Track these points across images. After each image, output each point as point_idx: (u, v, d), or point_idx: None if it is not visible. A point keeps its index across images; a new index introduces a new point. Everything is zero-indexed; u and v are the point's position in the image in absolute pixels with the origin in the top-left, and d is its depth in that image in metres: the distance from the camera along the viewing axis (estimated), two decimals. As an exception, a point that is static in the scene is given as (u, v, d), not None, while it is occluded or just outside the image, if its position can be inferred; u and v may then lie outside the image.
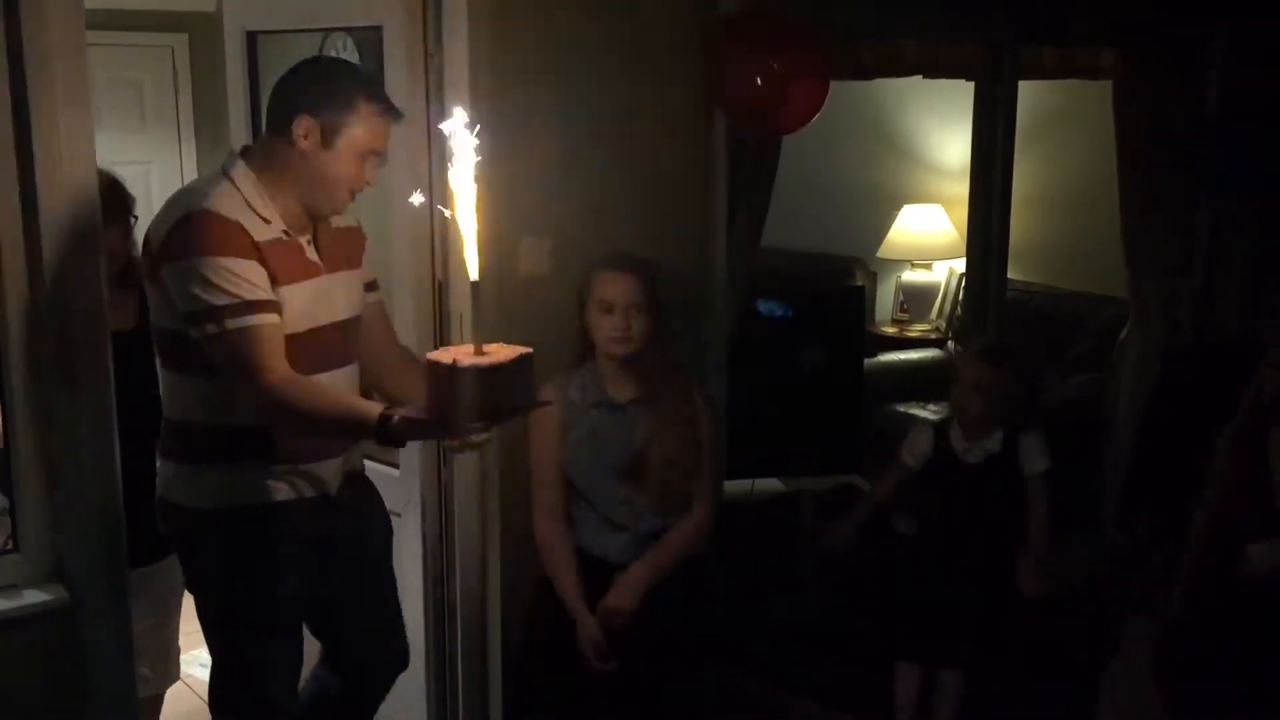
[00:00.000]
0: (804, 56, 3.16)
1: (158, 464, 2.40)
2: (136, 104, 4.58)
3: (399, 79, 2.99)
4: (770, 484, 4.08)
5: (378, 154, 2.35)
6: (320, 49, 3.81)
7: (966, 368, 3.11)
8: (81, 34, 2.37)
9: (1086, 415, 4.55)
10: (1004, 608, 3.09)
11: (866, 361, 5.07)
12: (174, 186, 4.57)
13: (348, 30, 3.23)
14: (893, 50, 3.71)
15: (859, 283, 5.81)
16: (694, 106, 3.21)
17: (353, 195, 2.37)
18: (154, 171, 4.58)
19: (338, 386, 2.36)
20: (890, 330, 5.73)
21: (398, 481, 3.12)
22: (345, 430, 2.34)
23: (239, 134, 3.41)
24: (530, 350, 2.10)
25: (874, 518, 3.25)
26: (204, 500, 2.34)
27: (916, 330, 5.71)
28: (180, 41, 4.56)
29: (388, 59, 3.03)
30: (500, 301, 3.00)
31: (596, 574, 2.80)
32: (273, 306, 2.19)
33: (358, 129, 2.26)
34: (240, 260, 2.16)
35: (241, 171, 2.25)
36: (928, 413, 5.06)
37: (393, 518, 3.07)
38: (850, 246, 5.92)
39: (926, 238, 5.71)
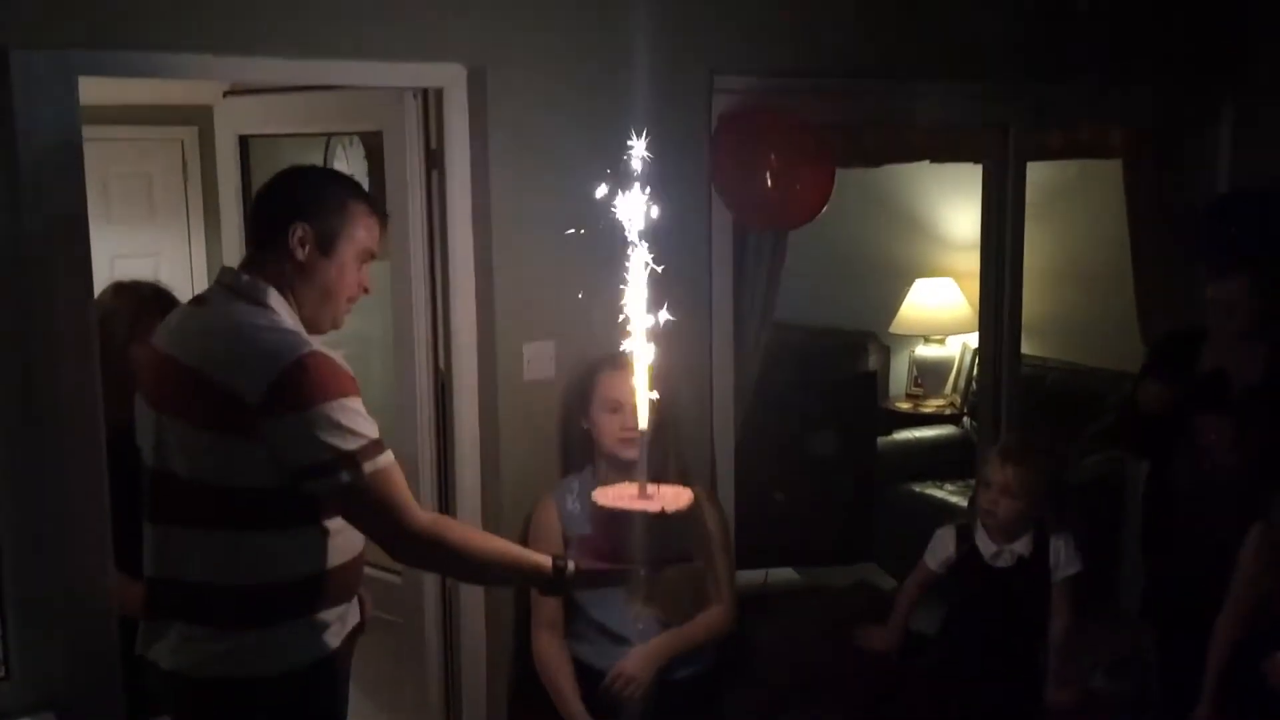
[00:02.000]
0: (805, 152, 3.14)
1: (187, 639, 2.07)
2: (146, 196, 4.60)
3: (400, 183, 2.99)
4: (785, 573, 4.02)
5: (374, 257, 2.28)
6: (326, 151, 3.85)
7: (991, 470, 3.03)
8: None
9: (1106, 495, 4.47)
10: (1027, 715, 3.00)
11: (881, 440, 5.03)
12: (182, 277, 4.66)
13: (351, 134, 3.25)
14: (900, 136, 3.68)
15: (872, 357, 5.76)
16: (698, 205, 3.18)
17: (350, 306, 2.28)
18: (162, 263, 4.58)
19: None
20: (905, 406, 5.66)
21: (400, 590, 3.08)
22: (505, 577, 2.24)
23: (231, 238, 3.43)
24: (692, 492, 2.08)
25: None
26: (274, 665, 2.06)
27: (931, 405, 5.64)
28: (190, 134, 4.58)
29: (389, 163, 3.04)
30: (506, 406, 2.97)
31: (596, 686, 2.74)
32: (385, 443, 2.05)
33: (355, 231, 2.16)
34: (357, 399, 2.00)
35: (277, 298, 2.09)
36: (944, 493, 5.00)
37: (395, 625, 3.03)
38: (862, 321, 5.88)
39: (939, 312, 5.66)
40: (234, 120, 3.40)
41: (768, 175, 3.07)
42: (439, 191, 2.95)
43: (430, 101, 2.94)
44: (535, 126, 2.93)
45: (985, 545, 3.02)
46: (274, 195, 2.18)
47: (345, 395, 1.97)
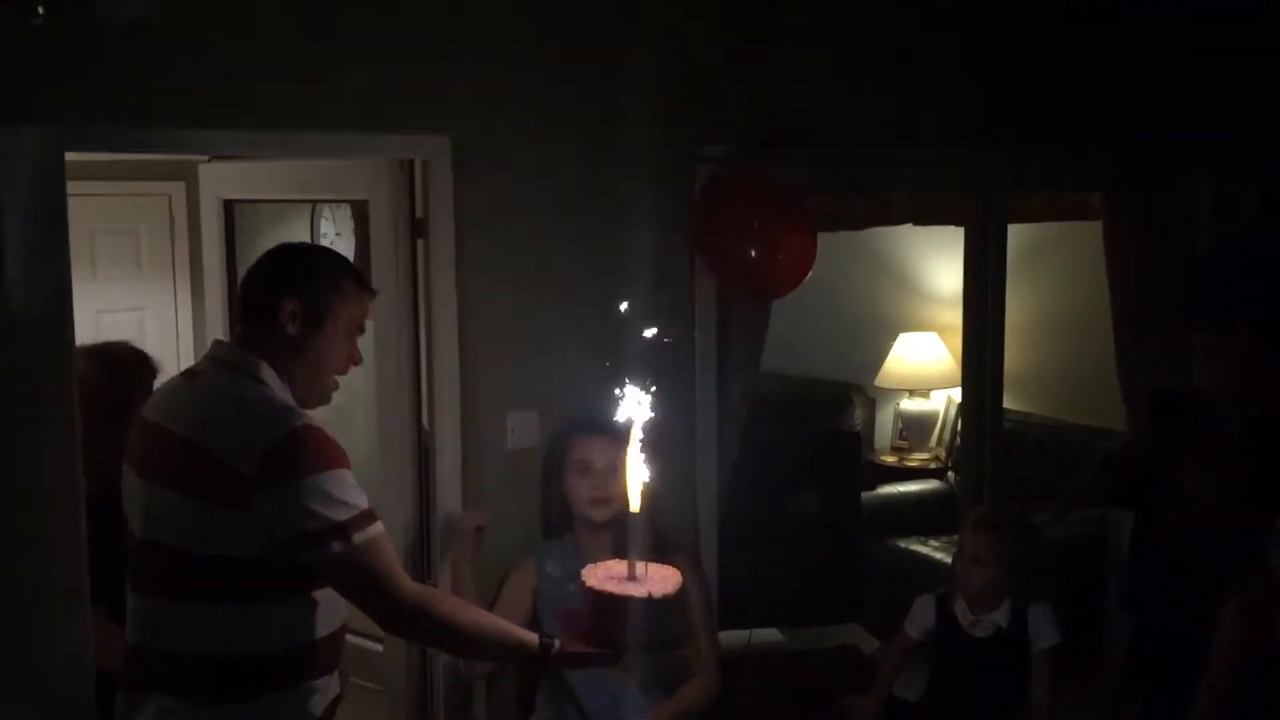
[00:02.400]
0: (788, 219, 3.17)
1: (166, 711, 2.06)
2: (133, 251, 4.62)
3: (385, 251, 3.01)
4: (769, 632, 4.00)
5: (363, 331, 2.30)
6: (312, 216, 3.87)
7: (964, 539, 3.05)
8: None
9: (1086, 552, 4.48)
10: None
11: (865, 495, 5.03)
12: (168, 332, 4.66)
13: (337, 202, 3.27)
14: (883, 201, 3.72)
15: (857, 410, 5.78)
16: (682, 276, 3.21)
17: (338, 380, 2.29)
18: (147, 318, 4.59)
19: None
20: (890, 459, 5.68)
21: (381, 658, 3.07)
22: (491, 651, 2.24)
23: (214, 300, 3.44)
24: (679, 571, 2.11)
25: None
26: None
27: (916, 459, 5.66)
28: (177, 190, 4.60)
29: (374, 231, 3.06)
30: (490, 473, 2.99)
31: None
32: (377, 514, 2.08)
33: (344, 307, 2.19)
34: (348, 470, 2.04)
35: (269, 372, 2.11)
36: (928, 549, 5.00)
37: (374, 692, 3.02)
38: (847, 373, 5.90)
39: (923, 366, 5.70)
40: (218, 184, 3.42)
41: (750, 242, 3.10)
42: (424, 259, 2.97)
43: (416, 171, 2.96)
44: (519, 197, 2.97)
45: (964, 614, 3.03)
46: (265, 272, 2.21)
47: (337, 467, 2.00)
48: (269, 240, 4.07)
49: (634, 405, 2.12)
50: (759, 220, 3.11)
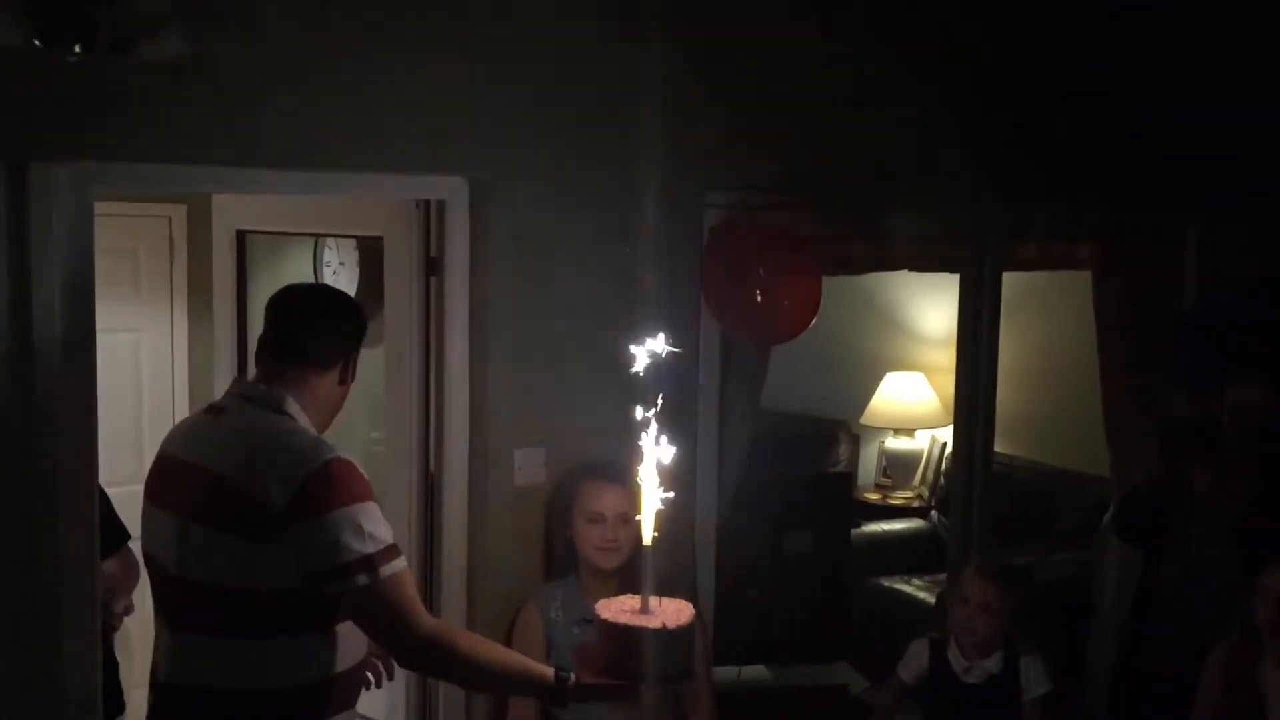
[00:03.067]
0: (794, 264, 3.23)
1: None
2: (131, 273, 4.60)
3: (399, 288, 3.05)
4: (758, 670, 4.04)
5: None
6: (316, 247, 3.89)
7: (968, 587, 3.10)
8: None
9: (1070, 597, 4.54)
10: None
11: (850, 533, 5.09)
12: (163, 354, 4.65)
13: (347, 237, 3.30)
14: (881, 248, 3.80)
15: (842, 447, 5.84)
16: (688, 318, 3.26)
17: None
18: (143, 340, 4.58)
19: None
20: (873, 497, 5.74)
21: (385, 688, 3.08)
22: (508, 685, 2.28)
23: (224, 329, 3.46)
24: (692, 608, 2.14)
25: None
26: None
27: (900, 497, 5.72)
28: (178, 212, 4.59)
29: (388, 268, 3.09)
30: (496, 510, 3.02)
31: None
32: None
33: (358, 354, 2.30)
34: (375, 504, 2.09)
35: (294, 405, 2.16)
36: (912, 588, 5.05)
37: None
38: (834, 409, 5.96)
39: (909, 406, 5.76)
40: (232, 215, 3.45)
41: (757, 286, 3.15)
42: (436, 297, 3.01)
43: (431, 210, 3.00)
44: (532, 237, 3.01)
45: (957, 661, 3.08)
46: (318, 321, 2.25)
47: (365, 500, 2.06)
48: (271, 267, 4.10)
49: (650, 443, 2.15)
50: (765, 266, 3.17)
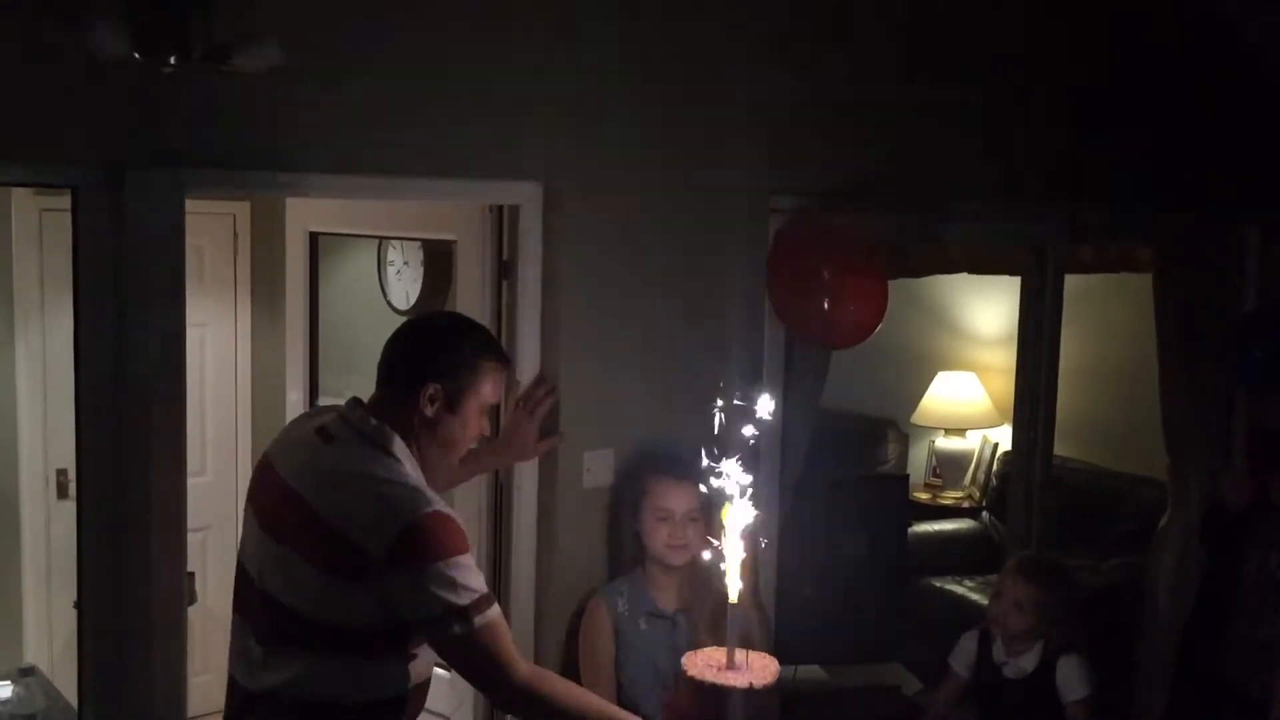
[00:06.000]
0: (859, 268, 3.24)
1: None
2: (196, 268, 4.67)
3: (471, 291, 3.10)
4: (812, 669, 4.07)
5: (496, 406, 2.36)
6: (379, 247, 3.94)
7: (1005, 582, 3.13)
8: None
9: (1123, 601, 4.53)
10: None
11: (907, 536, 5.09)
12: (227, 348, 4.74)
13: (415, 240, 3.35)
14: (942, 251, 3.81)
15: (891, 445, 5.85)
16: (756, 320, 3.29)
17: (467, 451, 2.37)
18: (208, 334, 4.66)
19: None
20: (923, 496, 5.74)
21: (449, 685, 3.14)
22: None
23: (296, 329, 3.51)
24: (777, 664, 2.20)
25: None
26: None
27: (950, 497, 5.72)
28: (242, 210, 4.68)
29: (460, 271, 3.14)
30: (564, 512, 3.06)
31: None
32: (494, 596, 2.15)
33: (482, 387, 2.23)
34: (469, 554, 2.11)
35: (401, 446, 2.16)
36: (964, 589, 5.06)
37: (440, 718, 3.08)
38: (883, 409, 5.97)
39: (960, 405, 5.76)
40: (305, 216, 3.51)
41: (823, 291, 3.17)
42: (508, 300, 3.06)
43: (505, 215, 3.05)
44: (603, 243, 3.05)
45: (999, 653, 3.12)
46: (410, 348, 2.24)
47: (460, 553, 2.07)
48: (335, 265, 4.16)
49: (729, 481, 2.20)
50: (830, 270, 3.18)
